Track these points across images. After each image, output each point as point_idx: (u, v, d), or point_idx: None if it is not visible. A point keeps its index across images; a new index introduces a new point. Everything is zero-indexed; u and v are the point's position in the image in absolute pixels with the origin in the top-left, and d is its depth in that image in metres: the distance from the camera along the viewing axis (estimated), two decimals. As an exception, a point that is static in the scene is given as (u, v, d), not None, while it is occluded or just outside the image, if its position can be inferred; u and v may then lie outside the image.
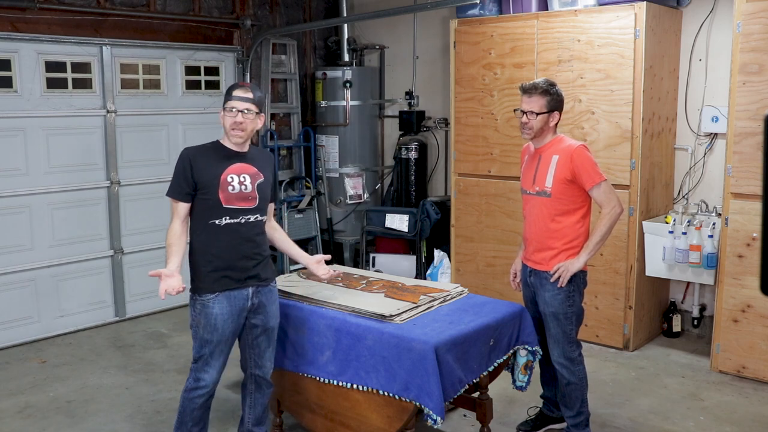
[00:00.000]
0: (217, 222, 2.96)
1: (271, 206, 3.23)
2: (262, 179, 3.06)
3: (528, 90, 3.23)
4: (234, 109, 2.94)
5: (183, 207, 2.98)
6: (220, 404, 3.94)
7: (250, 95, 2.98)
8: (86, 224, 5.29)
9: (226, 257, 2.97)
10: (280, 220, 6.20)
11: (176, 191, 2.97)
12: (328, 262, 3.42)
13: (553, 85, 3.23)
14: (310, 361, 3.24)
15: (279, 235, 3.32)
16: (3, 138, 4.83)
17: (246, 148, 3.07)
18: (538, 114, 3.20)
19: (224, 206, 2.96)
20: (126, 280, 5.50)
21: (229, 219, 2.97)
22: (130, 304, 5.51)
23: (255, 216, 3.03)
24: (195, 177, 2.95)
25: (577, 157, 3.14)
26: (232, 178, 2.97)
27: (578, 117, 4.68)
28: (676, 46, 4.81)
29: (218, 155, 3.01)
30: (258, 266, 3.05)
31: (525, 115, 3.23)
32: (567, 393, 3.34)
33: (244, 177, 2.99)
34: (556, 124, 3.27)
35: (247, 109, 2.95)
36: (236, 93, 2.97)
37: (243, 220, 3.00)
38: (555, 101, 3.21)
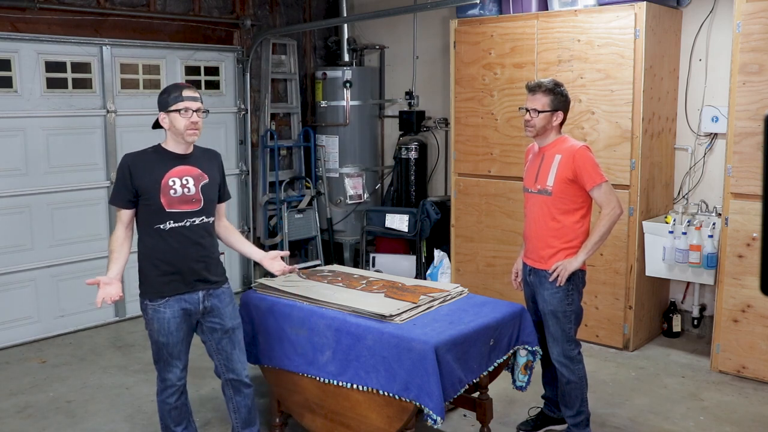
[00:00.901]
0: (161, 227, 2.92)
1: (222, 206, 3.20)
2: (207, 180, 3.01)
3: (532, 89, 3.28)
4: (189, 110, 2.89)
5: (125, 213, 2.97)
6: (220, 404, 3.93)
7: (198, 95, 2.96)
8: (86, 224, 5.29)
9: (173, 261, 2.95)
10: (280, 219, 6.20)
11: (117, 198, 2.96)
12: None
13: (558, 85, 3.27)
14: (310, 361, 3.24)
15: (233, 236, 3.27)
16: (3, 138, 4.83)
17: (190, 150, 3.01)
18: (540, 112, 3.23)
19: (167, 210, 2.91)
20: (126, 280, 5.43)
21: (174, 223, 2.93)
22: (130, 304, 5.50)
23: (201, 218, 2.99)
24: (135, 183, 2.91)
25: (580, 157, 3.17)
26: (173, 181, 2.92)
27: (578, 117, 4.67)
28: (676, 46, 4.81)
29: (159, 159, 2.96)
30: (207, 269, 3.01)
31: (528, 113, 3.27)
32: (567, 392, 3.35)
33: (186, 179, 2.95)
34: (561, 125, 3.29)
35: (201, 109, 2.93)
36: (187, 93, 2.91)
37: (188, 224, 2.95)
38: (558, 101, 3.24)
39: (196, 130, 2.93)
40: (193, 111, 2.90)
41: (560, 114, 3.25)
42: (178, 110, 2.89)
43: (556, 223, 3.24)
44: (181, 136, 2.93)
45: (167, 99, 2.92)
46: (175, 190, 2.92)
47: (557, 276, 3.22)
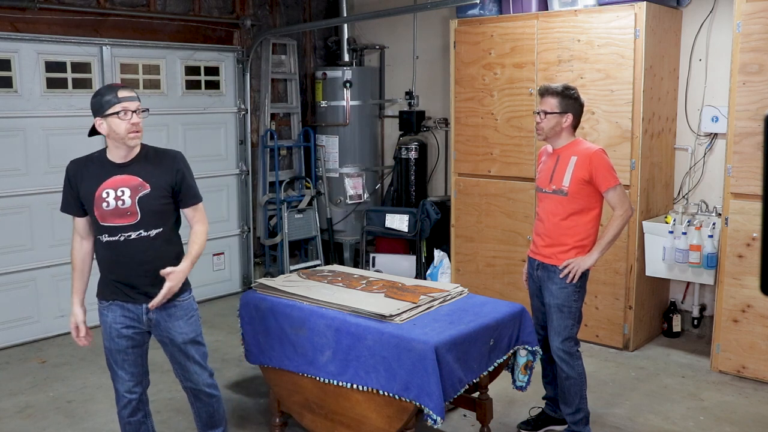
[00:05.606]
0: (100, 238, 2.79)
1: (190, 212, 2.89)
2: (147, 191, 2.75)
3: (541, 92, 3.35)
4: (127, 111, 2.68)
5: (79, 222, 2.83)
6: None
7: (134, 94, 2.75)
8: (86, 224, 5.29)
9: (116, 272, 2.81)
10: (280, 219, 6.20)
11: (66, 206, 2.84)
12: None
13: (568, 89, 3.32)
14: (310, 361, 3.24)
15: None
16: (3, 138, 4.83)
17: (132, 156, 2.78)
18: (547, 113, 3.29)
19: (101, 224, 2.75)
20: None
21: (108, 237, 2.75)
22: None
23: (138, 232, 2.75)
24: (77, 192, 2.78)
25: (596, 159, 3.25)
26: (107, 193, 2.73)
27: (578, 117, 4.68)
28: (676, 46, 4.81)
29: (99, 168, 2.78)
30: (152, 284, 2.78)
31: (538, 115, 3.33)
32: (566, 388, 3.37)
33: (122, 191, 2.73)
34: (573, 127, 3.34)
35: (140, 108, 2.72)
36: (123, 94, 2.70)
37: (122, 238, 2.74)
38: (567, 104, 3.29)
39: (137, 132, 2.72)
40: (132, 112, 2.69)
41: (569, 116, 3.30)
42: (116, 113, 2.68)
43: (571, 222, 3.31)
44: (122, 141, 2.72)
45: (101, 102, 2.70)
46: (108, 202, 2.72)
47: (569, 273, 3.27)
